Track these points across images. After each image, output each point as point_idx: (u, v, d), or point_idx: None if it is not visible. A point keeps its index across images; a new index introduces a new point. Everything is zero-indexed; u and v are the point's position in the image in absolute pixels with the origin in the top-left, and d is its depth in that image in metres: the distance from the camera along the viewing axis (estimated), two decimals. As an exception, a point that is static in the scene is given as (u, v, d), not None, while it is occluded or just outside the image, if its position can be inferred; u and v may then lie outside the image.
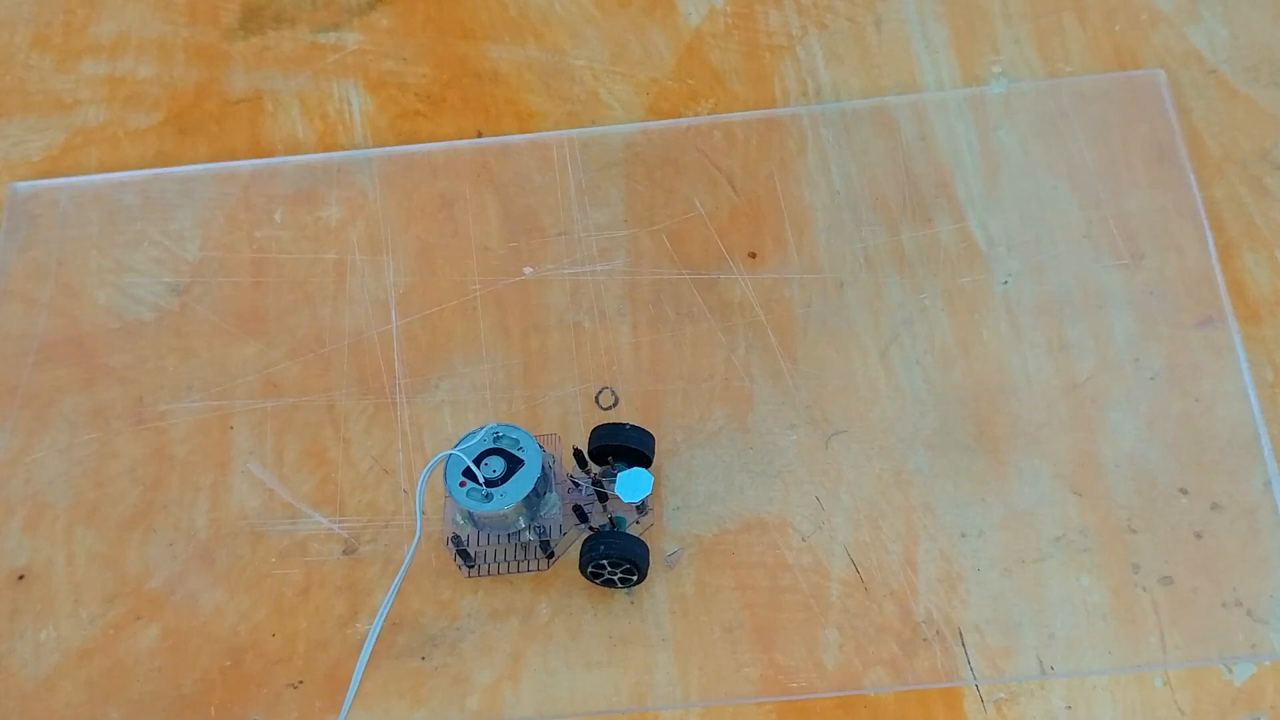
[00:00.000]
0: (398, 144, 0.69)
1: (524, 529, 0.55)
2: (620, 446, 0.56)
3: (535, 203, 0.66)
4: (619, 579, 0.55)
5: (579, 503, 0.55)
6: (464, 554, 0.55)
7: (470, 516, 0.55)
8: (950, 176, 0.65)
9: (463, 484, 0.53)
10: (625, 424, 0.56)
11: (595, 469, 0.57)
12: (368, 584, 0.57)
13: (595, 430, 0.56)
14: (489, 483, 0.53)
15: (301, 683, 0.55)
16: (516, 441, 0.54)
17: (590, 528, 0.56)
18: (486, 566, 0.56)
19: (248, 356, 0.63)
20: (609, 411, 0.60)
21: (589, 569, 0.54)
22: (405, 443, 0.60)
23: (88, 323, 0.64)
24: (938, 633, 0.55)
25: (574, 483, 0.56)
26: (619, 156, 0.67)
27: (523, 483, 0.53)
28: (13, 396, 0.62)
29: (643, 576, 0.55)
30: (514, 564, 0.56)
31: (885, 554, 0.56)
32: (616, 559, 0.54)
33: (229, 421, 0.61)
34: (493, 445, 0.54)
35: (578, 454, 0.56)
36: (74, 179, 0.68)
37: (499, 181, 0.67)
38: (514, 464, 0.54)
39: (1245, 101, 0.66)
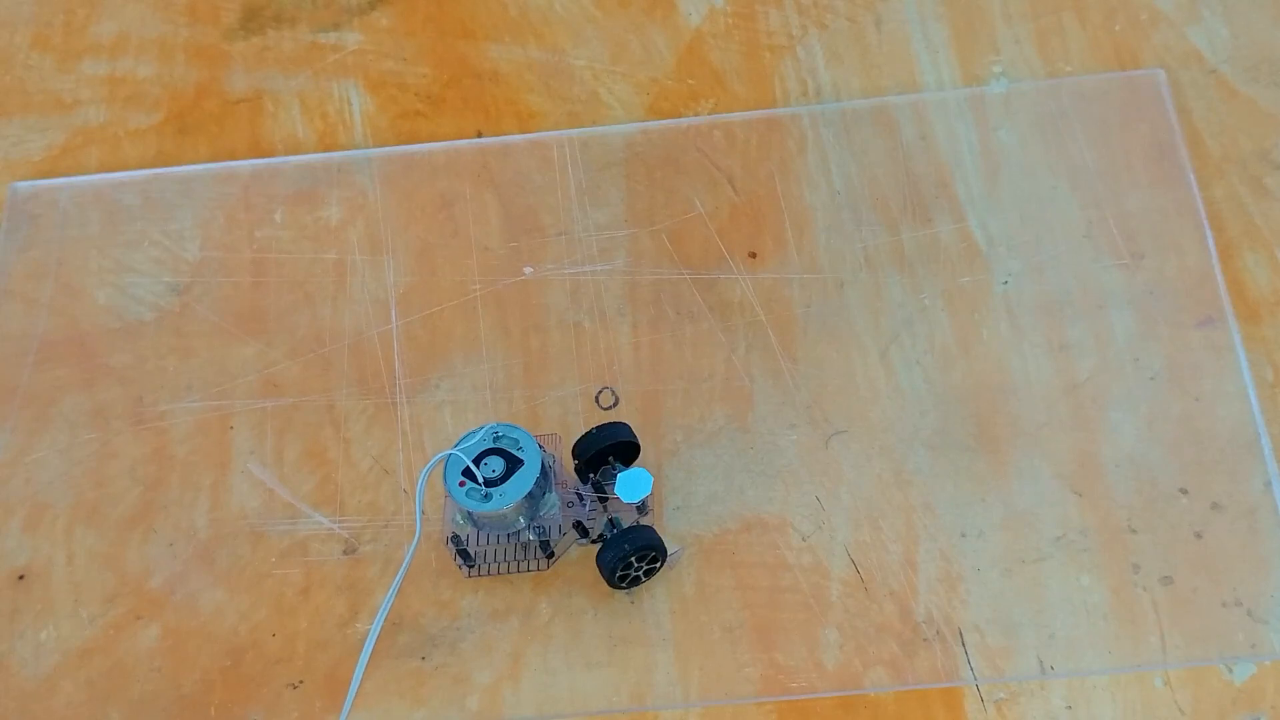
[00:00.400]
0: (398, 144, 0.69)
1: (524, 529, 0.55)
2: (606, 448, 0.56)
3: (535, 203, 0.66)
4: (644, 572, 0.55)
5: (580, 518, 0.55)
6: (464, 554, 0.55)
7: (470, 516, 0.55)
8: (950, 176, 0.65)
9: (462, 484, 0.53)
10: (592, 429, 0.56)
11: (593, 477, 0.56)
12: (368, 584, 0.57)
13: (576, 445, 0.56)
14: (488, 483, 0.53)
15: (301, 683, 0.55)
16: (516, 441, 0.54)
17: (591, 541, 0.56)
18: (486, 566, 0.56)
19: (248, 356, 0.63)
20: (609, 411, 0.60)
21: (618, 573, 0.54)
22: (405, 443, 0.60)
23: (88, 323, 0.64)
24: (938, 633, 0.55)
25: (577, 495, 0.56)
26: (619, 156, 0.67)
27: (522, 483, 0.53)
28: (13, 396, 0.62)
29: (664, 558, 0.55)
30: (514, 564, 0.56)
31: (885, 554, 0.56)
32: (642, 550, 0.54)
33: (229, 421, 0.61)
34: (492, 445, 0.54)
35: (578, 468, 0.56)
36: (74, 179, 0.68)
37: (499, 181, 0.67)
38: (514, 464, 0.54)
39: (1245, 101, 0.66)
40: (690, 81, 0.69)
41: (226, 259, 0.66)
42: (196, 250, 0.66)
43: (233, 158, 0.69)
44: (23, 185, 0.68)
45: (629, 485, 0.54)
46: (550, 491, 0.55)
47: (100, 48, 0.73)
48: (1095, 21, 0.69)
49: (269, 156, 0.68)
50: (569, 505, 0.56)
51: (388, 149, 0.68)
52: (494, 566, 0.56)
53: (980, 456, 0.58)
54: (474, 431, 0.54)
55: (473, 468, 0.53)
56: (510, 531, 0.55)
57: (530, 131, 0.68)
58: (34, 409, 0.62)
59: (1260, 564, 0.55)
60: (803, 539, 0.57)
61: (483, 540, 0.56)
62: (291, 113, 0.70)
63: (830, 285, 0.63)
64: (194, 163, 0.69)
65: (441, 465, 0.54)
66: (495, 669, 0.55)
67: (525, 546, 0.56)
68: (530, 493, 0.53)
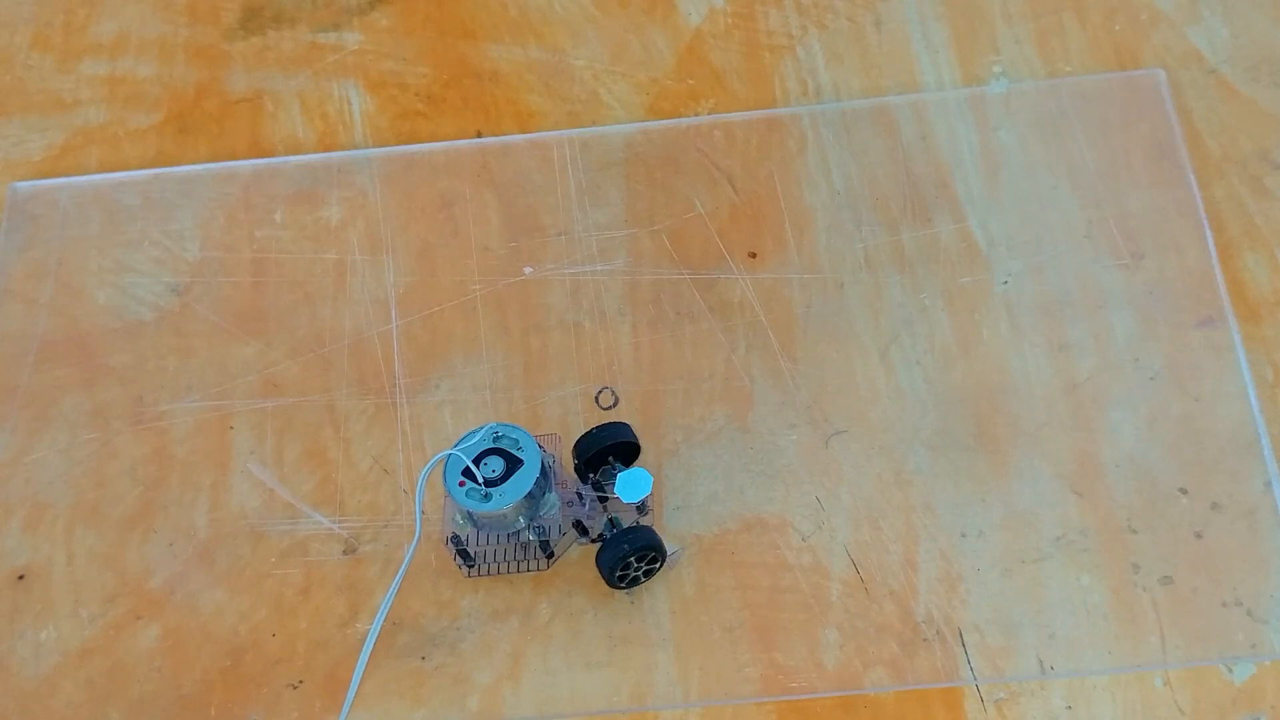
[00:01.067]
0: (398, 144, 0.69)
1: (524, 529, 0.55)
2: (606, 448, 0.56)
3: (535, 203, 0.66)
4: (644, 572, 0.55)
5: (580, 518, 0.55)
6: (464, 554, 0.55)
7: (470, 516, 0.55)
8: (950, 176, 0.65)
9: (462, 484, 0.53)
10: (594, 429, 0.56)
11: (593, 477, 0.56)
12: (368, 584, 0.57)
13: (576, 445, 0.56)
14: (488, 483, 0.53)
15: (301, 683, 0.55)
16: (516, 441, 0.54)
17: (591, 540, 0.56)
18: (486, 566, 0.56)
19: (248, 356, 0.63)
20: (609, 411, 0.60)
21: (618, 573, 0.54)
22: (405, 443, 0.60)
23: (88, 323, 0.64)
24: (938, 633, 0.55)
25: (577, 495, 0.56)
26: (619, 156, 0.67)
27: (522, 482, 0.53)
28: (13, 396, 0.62)
29: (664, 559, 0.55)
30: (514, 564, 0.56)
31: (885, 554, 0.56)
32: (641, 550, 0.54)
33: (229, 421, 0.61)
34: (492, 445, 0.54)
35: (578, 468, 0.56)
36: (74, 179, 0.68)
37: (499, 181, 0.67)
38: (513, 464, 0.54)
39: (1245, 101, 0.66)
40: (690, 81, 0.69)
41: (226, 259, 0.66)
42: (196, 250, 0.66)
43: (233, 158, 0.69)
44: (23, 185, 0.68)
45: (629, 485, 0.54)
46: (550, 491, 0.55)
47: (100, 48, 0.73)
48: (1095, 21, 0.69)
49: (269, 156, 0.68)
50: (569, 505, 0.56)
51: (388, 149, 0.68)
52: (494, 566, 0.56)
53: (980, 456, 0.58)
54: (474, 431, 0.54)
55: (473, 468, 0.53)
56: (510, 531, 0.55)
57: (530, 131, 0.68)
58: (34, 409, 0.62)
59: (1260, 564, 0.55)
60: (803, 539, 0.57)
61: (483, 540, 0.56)
62: (291, 113, 0.70)
63: (830, 285, 0.63)
64: (194, 163, 0.69)
65: (441, 465, 0.54)
66: (495, 669, 0.55)
67: (525, 546, 0.56)
68: (530, 493, 0.53)
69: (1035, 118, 0.66)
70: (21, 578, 0.58)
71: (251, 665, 0.56)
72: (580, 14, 0.72)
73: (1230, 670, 0.54)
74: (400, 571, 0.56)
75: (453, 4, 0.72)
